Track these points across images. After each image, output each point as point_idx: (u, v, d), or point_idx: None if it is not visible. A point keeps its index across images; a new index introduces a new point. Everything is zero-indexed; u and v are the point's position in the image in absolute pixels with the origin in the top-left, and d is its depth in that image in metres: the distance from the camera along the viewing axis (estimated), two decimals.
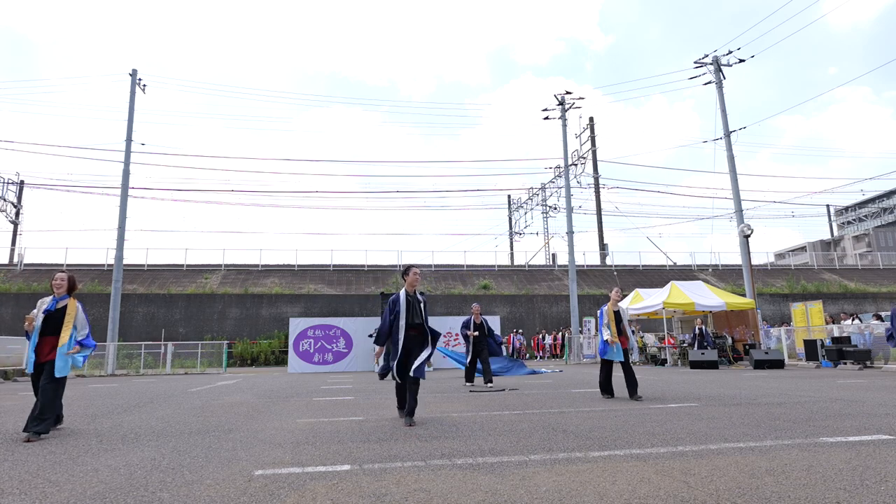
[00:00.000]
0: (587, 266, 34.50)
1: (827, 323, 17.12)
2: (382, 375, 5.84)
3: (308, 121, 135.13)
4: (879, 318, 17.92)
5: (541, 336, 26.71)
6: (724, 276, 33.67)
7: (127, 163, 21.81)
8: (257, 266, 31.39)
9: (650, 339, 20.13)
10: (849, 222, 70.81)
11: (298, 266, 31.61)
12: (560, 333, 26.01)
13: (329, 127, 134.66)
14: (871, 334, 15.47)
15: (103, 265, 29.55)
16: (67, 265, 29.68)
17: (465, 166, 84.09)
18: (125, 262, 22.21)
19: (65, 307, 5.26)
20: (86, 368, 18.78)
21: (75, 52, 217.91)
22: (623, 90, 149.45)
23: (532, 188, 37.90)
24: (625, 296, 21.80)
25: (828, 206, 56.11)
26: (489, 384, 10.10)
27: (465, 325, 10.89)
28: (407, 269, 5.75)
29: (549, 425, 5.03)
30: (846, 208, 69.87)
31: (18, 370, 15.91)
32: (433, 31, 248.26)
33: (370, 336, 10.52)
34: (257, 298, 27.52)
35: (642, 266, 35.64)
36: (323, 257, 32.38)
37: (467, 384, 10.46)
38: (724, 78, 21.92)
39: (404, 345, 5.48)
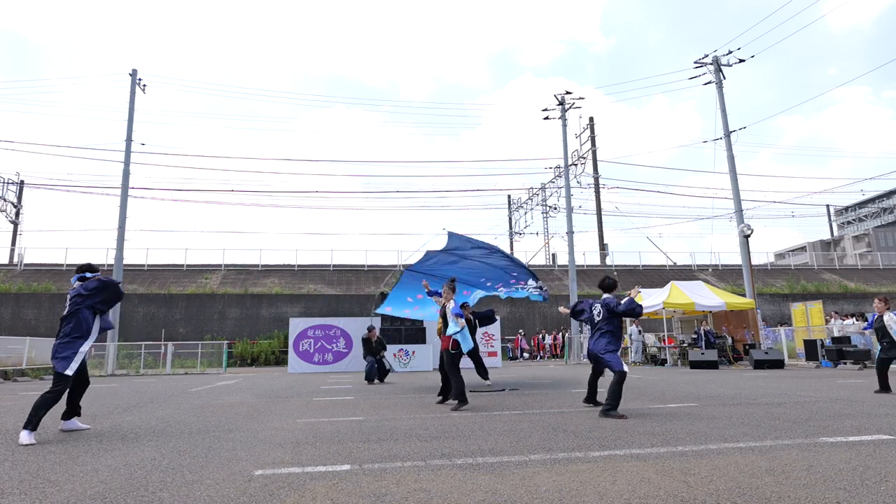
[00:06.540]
0: (587, 266, 34.48)
1: (832, 320, 17.16)
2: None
3: (309, 121, 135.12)
4: (863, 316, 18.06)
5: (541, 336, 26.72)
6: (724, 276, 33.66)
7: (127, 163, 21.82)
8: (257, 266, 31.38)
9: (650, 338, 20.13)
10: (849, 222, 70.80)
11: (298, 266, 31.58)
12: (560, 333, 26.01)
13: (330, 127, 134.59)
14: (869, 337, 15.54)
15: (103, 265, 29.50)
16: (67, 265, 29.67)
17: (466, 166, 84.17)
18: (125, 262, 22.23)
19: None
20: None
21: (75, 52, 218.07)
22: (624, 90, 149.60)
23: (532, 188, 37.86)
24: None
25: (828, 206, 56.08)
26: (487, 382, 10.14)
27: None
28: None
29: (549, 425, 5.03)
30: (846, 208, 69.85)
31: (18, 370, 15.89)
32: (434, 33, 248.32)
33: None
34: (257, 298, 27.51)
35: (642, 266, 35.63)
36: (323, 257, 32.37)
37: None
38: (725, 78, 21.92)
39: None
